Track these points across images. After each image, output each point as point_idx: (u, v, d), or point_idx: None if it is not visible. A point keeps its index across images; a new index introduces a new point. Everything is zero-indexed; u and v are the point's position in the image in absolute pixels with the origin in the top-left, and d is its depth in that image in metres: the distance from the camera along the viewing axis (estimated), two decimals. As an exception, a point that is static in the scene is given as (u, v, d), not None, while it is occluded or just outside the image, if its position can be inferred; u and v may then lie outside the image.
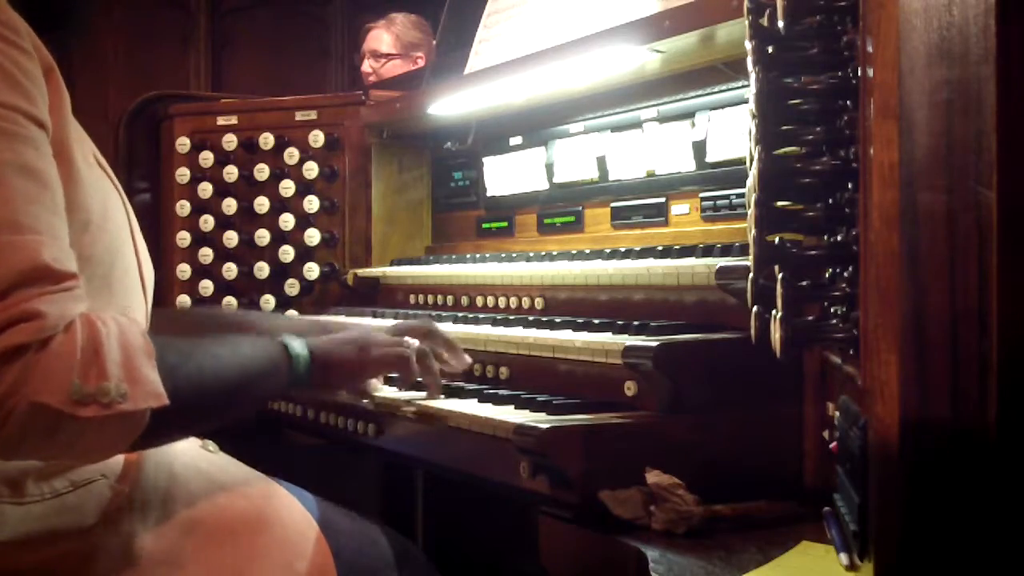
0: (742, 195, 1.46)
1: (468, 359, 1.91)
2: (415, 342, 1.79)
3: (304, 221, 2.93)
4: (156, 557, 1.36)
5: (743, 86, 1.97)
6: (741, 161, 1.59)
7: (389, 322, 2.19)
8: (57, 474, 1.32)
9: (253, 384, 1.45)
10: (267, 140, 2.98)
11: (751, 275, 1.16)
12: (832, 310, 1.12)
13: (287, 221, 2.92)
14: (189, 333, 1.53)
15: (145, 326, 1.40)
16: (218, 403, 1.38)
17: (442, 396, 1.89)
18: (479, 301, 2.41)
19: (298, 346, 1.52)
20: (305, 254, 2.93)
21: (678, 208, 2.17)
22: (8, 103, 1.17)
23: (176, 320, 1.94)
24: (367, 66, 4.53)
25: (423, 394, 1.91)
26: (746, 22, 1.15)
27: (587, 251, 2.22)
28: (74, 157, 1.27)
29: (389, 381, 1.95)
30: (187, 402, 1.25)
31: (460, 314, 2.29)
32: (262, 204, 2.95)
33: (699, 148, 2.09)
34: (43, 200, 1.17)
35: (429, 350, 1.83)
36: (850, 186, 1.05)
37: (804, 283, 1.12)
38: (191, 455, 1.50)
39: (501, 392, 1.86)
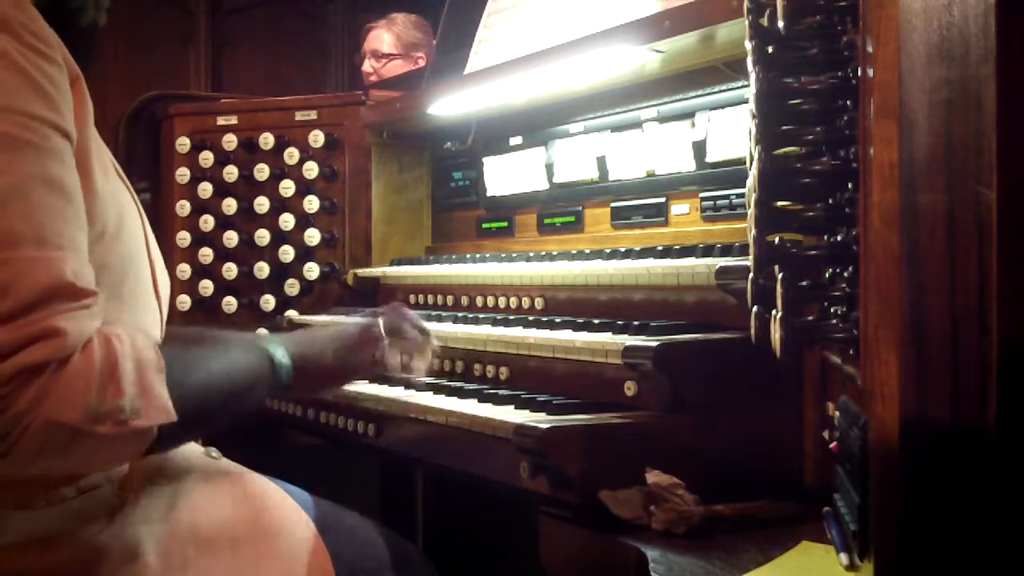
0: (742, 195, 1.46)
1: (423, 368, 1.85)
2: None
3: (304, 221, 2.93)
4: (158, 564, 1.36)
5: (743, 86, 1.97)
6: (741, 161, 1.59)
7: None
8: (65, 482, 1.32)
9: (247, 393, 1.49)
10: (267, 140, 2.98)
11: (751, 275, 1.16)
12: (832, 310, 1.11)
13: (287, 221, 2.93)
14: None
15: (159, 337, 1.42)
16: (217, 413, 1.41)
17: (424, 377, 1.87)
18: (479, 301, 2.41)
19: (280, 354, 1.54)
20: (305, 254, 2.93)
21: (678, 208, 2.17)
22: (35, 114, 1.18)
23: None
24: (368, 66, 4.52)
25: (424, 394, 1.91)
26: (746, 22, 1.15)
27: (587, 251, 2.22)
28: (93, 168, 1.28)
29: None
30: (191, 415, 1.28)
31: (460, 314, 2.29)
32: (262, 204, 2.95)
33: (699, 148, 2.08)
34: (67, 214, 1.18)
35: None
36: (850, 186, 1.05)
37: (804, 283, 1.12)
38: (194, 461, 1.51)
39: (501, 392, 1.86)
